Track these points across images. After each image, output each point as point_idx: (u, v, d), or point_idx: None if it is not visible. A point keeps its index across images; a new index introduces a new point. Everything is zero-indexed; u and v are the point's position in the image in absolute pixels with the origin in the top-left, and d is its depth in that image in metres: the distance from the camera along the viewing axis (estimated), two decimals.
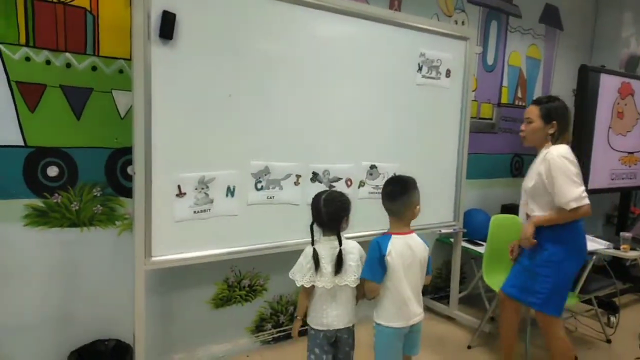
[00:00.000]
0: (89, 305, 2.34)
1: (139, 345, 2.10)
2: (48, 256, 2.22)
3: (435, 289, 3.79)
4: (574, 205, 2.15)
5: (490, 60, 3.86)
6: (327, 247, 1.94)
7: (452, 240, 3.38)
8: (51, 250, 2.22)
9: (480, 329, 3.04)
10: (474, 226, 3.42)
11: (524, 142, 2.40)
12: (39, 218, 2.18)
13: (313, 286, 1.94)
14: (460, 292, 3.41)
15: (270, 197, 2.40)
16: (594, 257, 2.91)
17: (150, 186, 2.04)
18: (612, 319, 3.33)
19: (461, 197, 3.22)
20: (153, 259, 2.09)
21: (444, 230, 3.20)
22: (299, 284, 1.93)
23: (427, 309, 3.55)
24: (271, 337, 2.94)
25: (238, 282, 2.78)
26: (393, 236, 1.93)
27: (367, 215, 2.72)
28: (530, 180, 2.32)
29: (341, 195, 2.00)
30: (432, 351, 2.92)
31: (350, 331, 2.03)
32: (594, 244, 2.96)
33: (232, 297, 2.77)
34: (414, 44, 2.84)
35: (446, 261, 3.73)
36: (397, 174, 2.85)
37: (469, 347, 2.96)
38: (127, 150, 2.30)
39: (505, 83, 4.01)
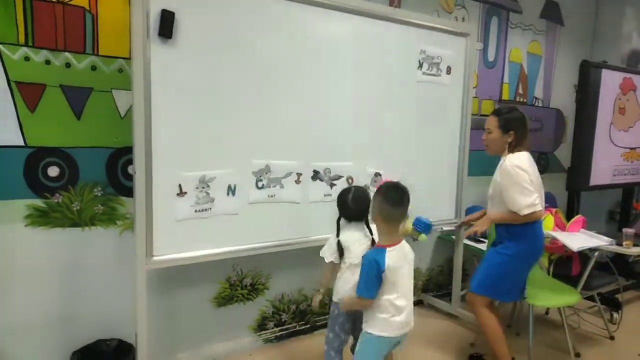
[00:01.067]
0: (91, 305, 2.34)
1: (141, 345, 2.10)
2: (50, 256, 2.22)
3: (437, 287, 3.79)
4: (526, 211, 2.30)
5: (491, 57, 3.85)
6: (353, 232, 2.13)
7: (453, 237, 3.38)
8: (53, 250, 2.22)
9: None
10: None
11: (487, 151, 2.53)
12: (41, 218, 2.18)
13: (334, 263, 2.14)
14: (462, 289, 3.40)
15: (271, 196, 2.39)
16: (597, 253, 2.90)
17: (151, 185, 2.04)
18: (615, 315, 3.33)
19: (462, 194, 3.21)
20: (154, 258, 2.09)
21: (445, 228, 3.20)
22: (328, 260, 2.14)
23: (429, 306, 3.57)
24: (274, 335, 2.94)
25: (240, 281, 2.78)
26: (387, 249, 1.88)
27: None
28: (490, 188, 2.46)
29: (366, 190, 2.29)
30: (435, 349, 2.92)
31: None
32: (597, 240, 2.95)
33: (234, 296, 2.77)
34: (414, 40, 2.83)
35: (448, 259, 3.72)
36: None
37: (471, 345, 2.95)
38: (128, 150, 2.30)
39: (506, 79, 4.00)
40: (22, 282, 2.17)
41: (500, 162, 2.43)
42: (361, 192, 2.21)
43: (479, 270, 2.55)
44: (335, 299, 2.16)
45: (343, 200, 2.17)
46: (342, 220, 2.18)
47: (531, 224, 2.38)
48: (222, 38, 2.17)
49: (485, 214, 2.64)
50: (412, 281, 2.01)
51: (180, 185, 2.12)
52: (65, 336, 2.28)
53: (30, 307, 2.20)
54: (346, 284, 2.08)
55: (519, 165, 2.31)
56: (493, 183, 2.47)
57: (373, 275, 1.84)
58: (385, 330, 1.91)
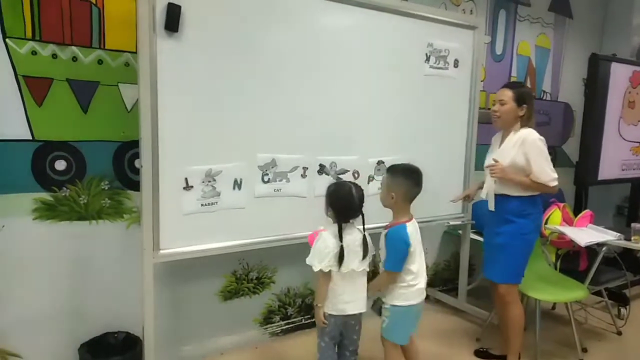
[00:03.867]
0: (99, 298, 2.36)
1: (148, 338, 2.11)
2: (57, 250, 2.23)
3: (443, 281, 3.78)
4: (554, 183, 2.34)
5: (498, 50, 3.82)
6: (347, 235, 2.02)
7: (460, 232, 3.36)
8: (60, 243, 2.23)
9: (489, 321, 3.02)
10: (482, 218, 3.39)
11: (496, 123, 2.50)
12: (48, 212, 2.19)
13: (330, 272, 2.00)
14: (468, 284, 3.39)
15: (277, 190, 2.39)
16: (605, 248, 2.88)
17: (157, 179, 2.04)
18: (623, 310, 3.31)
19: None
20: (161, 251, 2.10)
21: (452, 222, 3.19)
22: (316, 269, 1.98)
23: (436, 301, 3.56)
24: (279, 329, 2.95)
25: (246, 275, 2.79)
26: (407, 224, 2.05)
27: (376, 210, 2.73)
28: (504, 159, 2.41)
29: (358, 185, 2.12)
30: (441, 344, 2.92)
31: (358, 318, 2.11)
32: (604, 235, 2.92)
33: (240, 290, 2.78)
34: (421, 34, 2.81)
35: (454, 253, 3.71)
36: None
37: (477, 340, 2.95)
38: (134, 144, 2.30)
39: (514, 73, 3.96)
40: (30, 275, 2.19)
41: (512, 137, 2.40)
42: (357, 186, 2.09)
43: (499, 260, 2.48)
44: (331, 311, 2.03)
45: (343, 197, 2.03)
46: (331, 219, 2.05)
47: (539, 198, 2.43)
48: (229, 31, 2.16)
49: (479, 187, 2.68)
50: (422, 249, 2.15)
51: (186, 179, 2.13)
52: (73, 329, 2.30)
53: (38, 300, 2.22)
54: (344, 294, 2.02)
55: (541, 139, 2.35)
56: (509, 157, 2.37)
57: (403, 250, 2.02)
58: (409, 299, 2.06)
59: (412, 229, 2.07)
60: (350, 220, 2.06)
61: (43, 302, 2.23)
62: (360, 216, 2.07)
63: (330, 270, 1.99)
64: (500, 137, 2.53)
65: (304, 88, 2.42)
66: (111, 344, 2.32)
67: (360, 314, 2.10)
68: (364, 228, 2.07)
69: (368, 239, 2.06)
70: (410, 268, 2.04)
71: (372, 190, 2.71)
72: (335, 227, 2.02)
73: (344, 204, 2.04)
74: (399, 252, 2.02)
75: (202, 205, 2.18)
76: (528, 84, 4.08)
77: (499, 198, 2.48)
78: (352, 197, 2.03)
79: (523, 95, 2.41)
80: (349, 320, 2.07)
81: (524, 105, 2.40)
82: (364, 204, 2.06)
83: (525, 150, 2.34)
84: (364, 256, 2.04)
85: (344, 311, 2.03)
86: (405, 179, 2.07)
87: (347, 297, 2.03)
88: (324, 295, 2.02)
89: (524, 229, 2.41)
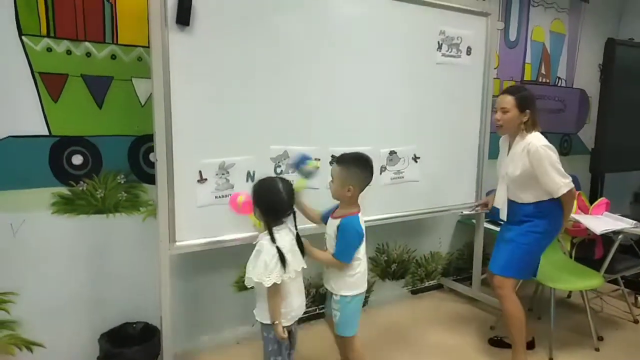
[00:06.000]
0: (118, 290, 2.41)
1: (166, 328, 2.15)
2: (76, 243, 2.28)
3: (457, 271, 3.78)
4: (564, 190, 2.29)
5: (512, 36, 3.76)
6: (282, 235, 1.84)
7: (474, 221, 3.35)
8: (79, 236, 2.28)
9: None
10: (496, 207, 3.38)
11: (500, 131, 2.49)
12: (66, 206, 2.24)
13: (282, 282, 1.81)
14: (482, 273, 3.38)
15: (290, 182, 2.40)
16: (621, 236, 2.85)
17: (172, 172, 2.07)
18: None
19: (483, 178, 3.17)
20: (177, 243, 2.13)
21: (465, 212, 3.17)
22: (268, 284, 1.76)
23: (450, 290, 3.56)
24: None
25: None
26: (359, 215, 2.01)
27: (389, 200, 2.74)
28: (515, 169, 2.38)
29: (286, 180, 1.92)
30: (455, 332, 2.93)
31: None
32: (620, 223, 2.89)
33: None
34: (433, 21, 2.78)
35: (468, 242, 3.70)
36: (416, 155, 2.85)
37: (491, 328, 2.95)
38: (149, 138, 2.33)
39: (528, 60, 3.90)
40: (51, 267, 2.24)
41: (519, 144, 2.37)
42: (285, 181, 1.89)
43: (502, 252, 2.49)
44: (288, 322, 1.88)
45: (270, 194, 1.82)
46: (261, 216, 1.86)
47: (558, 201, 2.35)
48: (240, 24, 2.17)
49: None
50: None
51: (200, 172, 2.15)
52: (93, 319, 2.36)
53: (59, 292, 2.27)
54: (293, 299, 1.89)
55: (547, 145, 2.30)
56: (520, 166, 2.35)
57: (357, 241, 1.99)
58: (358, 286, 2.05)
59: (362, 219, 2.03)
60: (283, 220, 1.88)
61: (63, 293, 2.29)
62: (292, 214, 1.90)
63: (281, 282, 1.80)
64: (508, 141, 2.51)
65: (315, 79, 2.41)
66: (130, 334, 2.37)
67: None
68: (295, 226, 1.91)
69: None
70: (358, 256, 2.02)
71: (385, 181, 2.71)
72: (284, 223, 1.88)
73: (271, 203, 1.84)
74: (352, 242, 1.98)
75: (216, 197, 2.21)
76: (543, 71, 4.02)
77: (514, 204, 2.47)
78: (279, 193, 1.82)
79: (525, 100, 2.36)
80: (294, 324, 1.96)
81: (527, 111, 2.35)
82: (294, 201, 1.91)
83: (530, 160, 2.31)
84: (303, 255, 1.92)
85: (296, 317, 1.93)
86: (362, 171, 1.98)
87: (296, 302, 1.92)
88: (279, 310, 1.83)
89: (537, 227, 2.39)
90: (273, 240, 1.80)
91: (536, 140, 2.32)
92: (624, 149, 3.89)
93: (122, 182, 2.35)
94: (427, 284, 3.63)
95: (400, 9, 2.63)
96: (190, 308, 2.59)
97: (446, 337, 2.87)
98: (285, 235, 1.86)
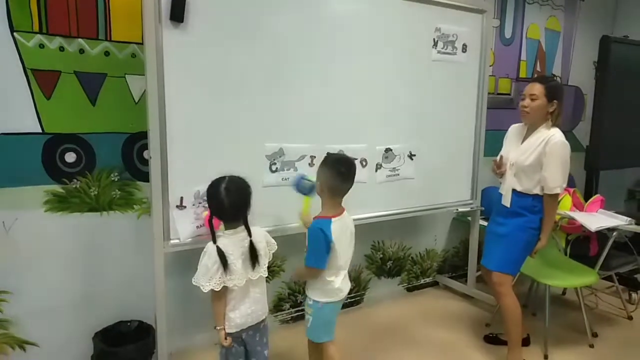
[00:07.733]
0: (112, 288, 2.40)
1: (160, 326, 2.14)
2: (70, 241, 2.26)
3: (452, 268, 3.78)
4: (557, 190, 2.31)
5: (508, 34, 3.76)
6: (234, 241, 1.79)
7: (469, 218, 3.36)
8: (72, 234, 2.26)
9: (498, 306, 3.02)
10: (491, 204, 3.37)
11: (525, 118, 2.44)
12: (59, 204, 2.22)
13: (224, 288, 1.76)
14: (477, 270, 3.39)
15: (285, 179, 2.39)
16: (615, 233, 2.86)
17: (166, 170, 2.05)
18: (634, 295, 3.30)
19: (478, 175, 3.18)
20: (172, 241, 2.12)
21: (461, 209, 3.18)
22: (206, 290, 1.72)
23: (445, 287, 3.57)
24: (289, 316, 2.98)
25: None
26: (333, 219, 1.92)
27: (385, 198, 2.73)
28: (526, 159, 2.37)
29: (244, 180, 1.82)
30: (451, 329, 2.93)
31: (259, 328, 1.92)
32: (615, 220, 2.90)
33: None
34: (429, 18, 2.78)
35: (463, 240, 3.71)
36: (412, 152, 2.85)
37: (487, 325, 2.96)
38: (143, 135, 2.31)
39: (523, 57, 3.91)
40: (44, 266, 2.22)
41: (540, 134, 2.35)
42: (239, 181, 1.79)
43: (497, 248, 2.49)
44: (231, 329, 1.82)
45: (215, 195, 1.75)
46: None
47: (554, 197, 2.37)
48: (234, 21, 2.15)
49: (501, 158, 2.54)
50: (352, 250, 2.06)
51: (194, 169, 2.13)
52: (87, 318, 2.34)
53: (52, 291, 2.26)
54: (242, 307, 1.81)
55: (565, 143, 2.30)
56: (534, 155, 2.34)
57: (322, 246, 1.90)
58: (333, 297, 2.00)
59: (339, 225, 1.92)
60: (237, 223, 1.81)
61: (57, 292, 2.27)
62: (247, 216, 1.82)
63: (223, 287, 1.75)
64: (523, 130, 2.47)
65: (311, 77, 2.40)
66: (124, 333, 2.36)
67: (260, 322, 1.91)
68: (248, 231, 1.82)
69: (254, 243, 1.81)
70: (334, 265, 1.95)
71: (381, 178, 2.71)
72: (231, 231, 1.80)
73: (215, 203, 1.78)
74: (319, 248, 1.89)
75: None
76: (538, 68, 4.03)
77: (517, 194, 2.44)
78: (220, 193, 1.75)
79: (555, 90, 2.34)
80: (247, 332, 1.86)
81: (555, 101, 2.33)
82: (248, 203, 1.81)
83: (545, 150, 2.30)
84: (253, 265, 1.80)
85: (244, 325, 1.83)
86: (333, 174, 1.91)
87: (247, 309, 1.83)
88: (222, 315, 1.80)
89: (532, 223, 2.39)
90: (214, 241, 1.75)
91: (560, 135, 2.32)
92: (619, 146, 3.90)
93: (116, 179, 2.34)
94: (422, 281, 3.64)
95: (396, 6, 2.63)
96: (184, 306, 2.58)
97: (442, 334, 2.87)
98: (240, 240, 1.79)
